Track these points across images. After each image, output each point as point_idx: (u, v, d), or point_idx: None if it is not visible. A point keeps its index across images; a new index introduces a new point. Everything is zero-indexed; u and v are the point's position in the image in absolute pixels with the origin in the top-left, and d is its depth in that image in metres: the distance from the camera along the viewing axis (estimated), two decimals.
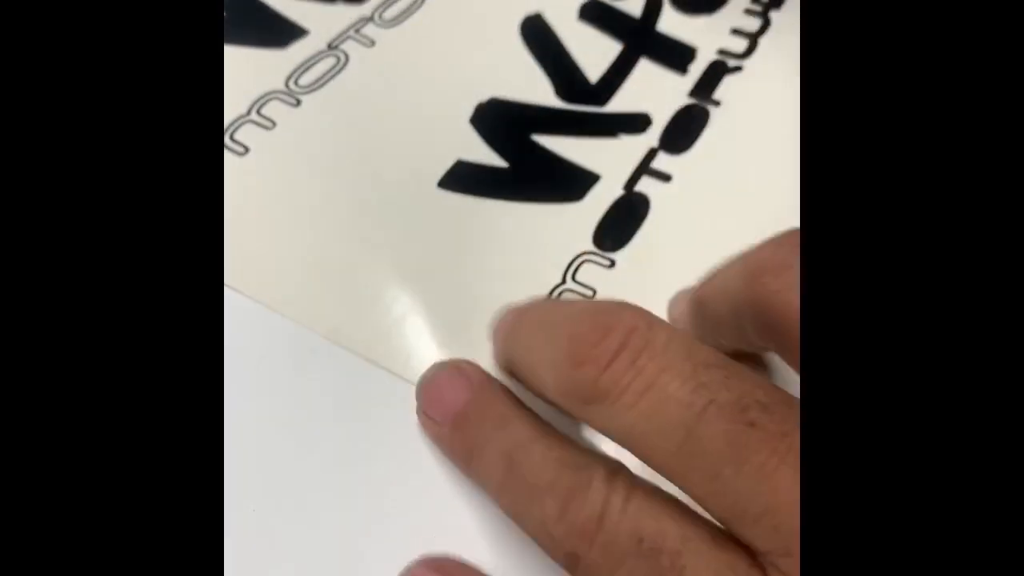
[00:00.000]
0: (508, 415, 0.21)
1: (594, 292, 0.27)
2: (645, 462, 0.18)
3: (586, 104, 0.32)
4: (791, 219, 0.27)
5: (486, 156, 0.31)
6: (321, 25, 0.34)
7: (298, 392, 0.25)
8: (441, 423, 0.22)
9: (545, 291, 0.27)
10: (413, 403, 0.24)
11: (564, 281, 0.27)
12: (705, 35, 0.35)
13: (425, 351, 0.25)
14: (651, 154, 0.31)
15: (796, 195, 0.28)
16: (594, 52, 0.34)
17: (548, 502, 0.18)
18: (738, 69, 0.34)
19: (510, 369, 0.22)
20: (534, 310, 0.22)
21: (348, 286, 0.27)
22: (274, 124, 0.30)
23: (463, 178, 0.30)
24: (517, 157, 0.31)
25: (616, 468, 0.19)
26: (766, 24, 0.35)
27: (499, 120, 0.32)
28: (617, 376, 0.17)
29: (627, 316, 0.18)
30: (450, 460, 0.23)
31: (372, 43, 0.34)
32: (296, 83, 0.32)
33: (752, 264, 0.20)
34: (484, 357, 0.23)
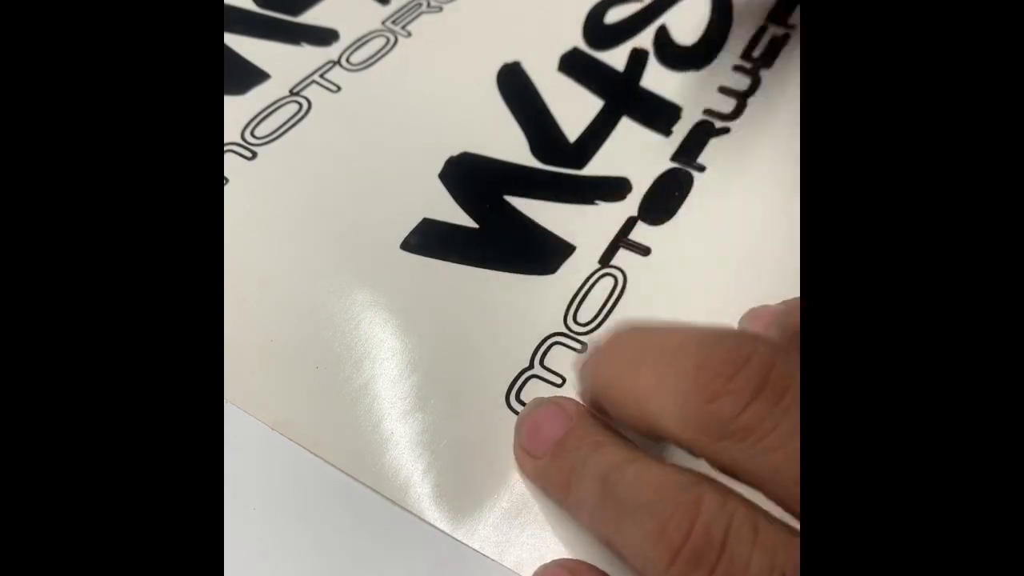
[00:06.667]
0: (604, 440, 0.21)
1: (564, 380, 0.25)
2: (780, 504, 0.17)
3: (563, 166, 0.30)
4: (779, 300, 0.26)
5: (454, 215, 0.29)
6: (284, 69, 0.32)
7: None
8: (540, 456, 0.22)
9: (510, 376, 0.25)
10: (357, 502, 0.22)
11: (532, 366, 0.25)
12: (691, 93, 0.33)
13: (371, 440, 0.23)
14: (629, 224, 0.29)
15: (784, 273, 0.27)
16: (574, 108, 0.32)
17: (645, 522, 0.18)
18: (725, 131, 0.32)
19: (606, 396, 0.21)
20: (639, 335, 0.20)
21: (296, 366, 0.25)
22: (226, 181, 0.28)
23: (429, 238, 0.28)
24: (488, 218, 0.29)
25: (726, 490, 0.18)
26: (756, 83, 0.34)
27: (470, 177, 0.30)
28: (762, 416, 0.17)
29: (762, 349, 0.17)
30: (547, 494, 0.22)
31: (338, 88, 0.31)
32: (253, 134, 0.30)
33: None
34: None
